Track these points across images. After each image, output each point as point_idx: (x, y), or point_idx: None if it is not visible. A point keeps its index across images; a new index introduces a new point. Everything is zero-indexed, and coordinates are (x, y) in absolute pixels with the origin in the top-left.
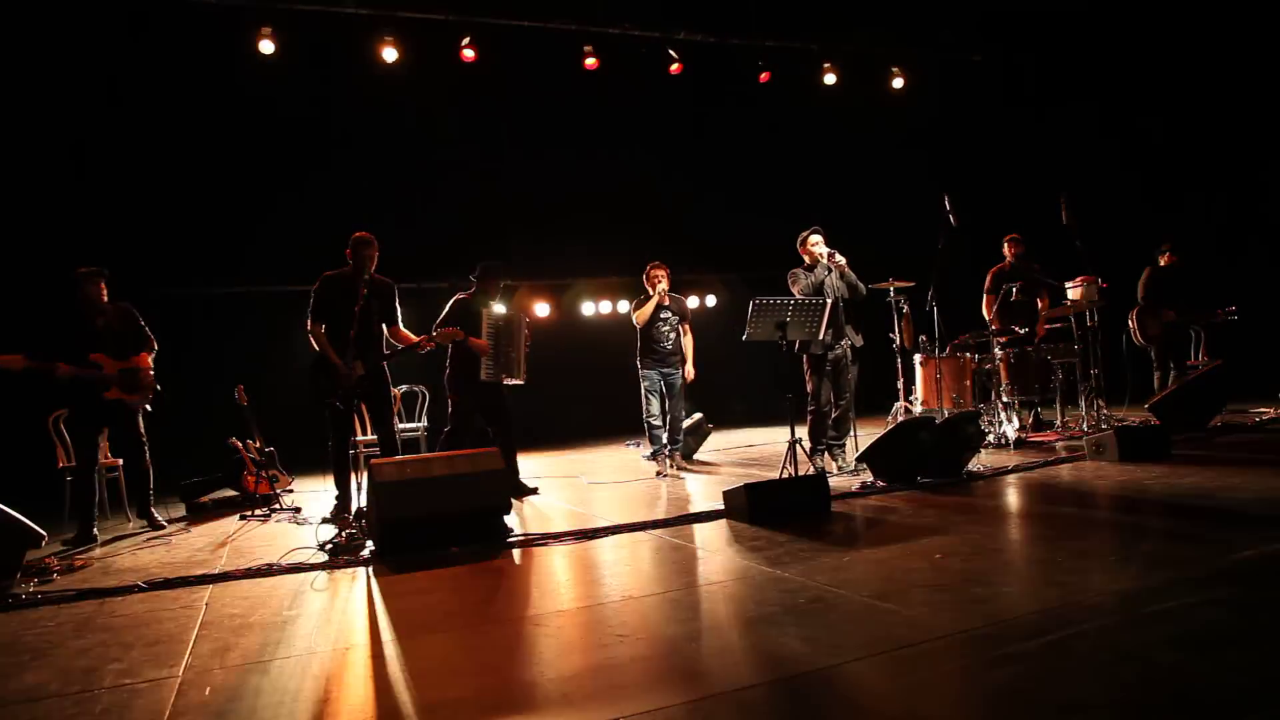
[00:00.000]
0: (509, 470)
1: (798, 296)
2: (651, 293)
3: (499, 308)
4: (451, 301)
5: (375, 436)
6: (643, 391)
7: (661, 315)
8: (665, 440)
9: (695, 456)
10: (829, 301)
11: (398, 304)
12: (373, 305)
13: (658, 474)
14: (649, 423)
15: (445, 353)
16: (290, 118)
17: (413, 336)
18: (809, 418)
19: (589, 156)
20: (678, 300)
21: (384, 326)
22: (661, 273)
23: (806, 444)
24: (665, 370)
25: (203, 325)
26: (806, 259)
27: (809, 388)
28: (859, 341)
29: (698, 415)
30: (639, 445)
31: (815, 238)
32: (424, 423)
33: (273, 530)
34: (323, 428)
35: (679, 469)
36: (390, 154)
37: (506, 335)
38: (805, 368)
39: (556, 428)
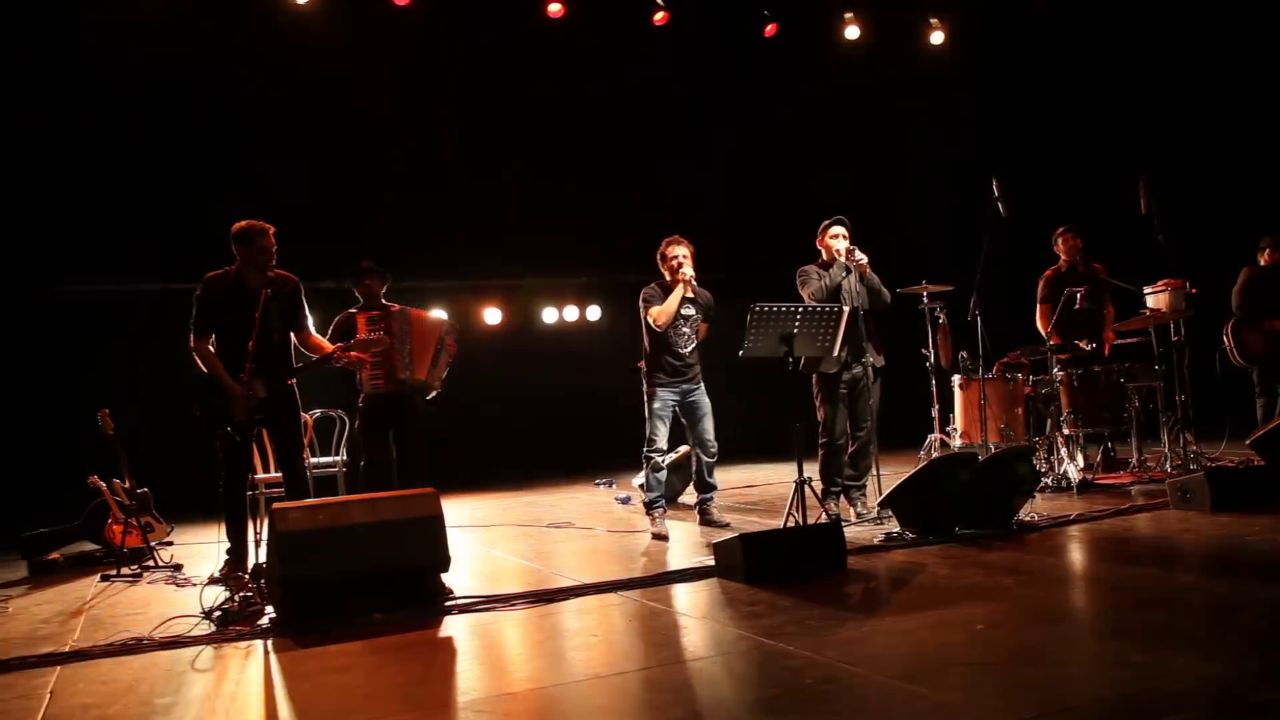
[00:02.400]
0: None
1: (807, 302)
2: (669, 280)
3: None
4: (338, 318)
5: (280, 474)
6: (649, 415)
7: (683, 312)
8: (662, 489)
9: (680, 499)
10: (846, 309)
11: (305, 305)
12: (274, 310)
13: (655, 537)
14: (650, 459)
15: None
16: (179, 82)
17: (327, 344)
18: (820, 453)
19: (554, 128)
20: (702, 293)
21: (290, 335)
22: (685, 251)
23: (818, 485)
24: (686, 386)
25: (55, 333)
26: (823, 254)
27: (820, 415)
28: (879, 361)
29: (683, 448)
30: (610, 485)
31: (836, 229)
32: (342, 456)
33: (144, 594)
34: (212, 464)
35: (714, 525)
36: (303, 126)
37: (389, 333)
38: (815, 391)
39: (509, 463)
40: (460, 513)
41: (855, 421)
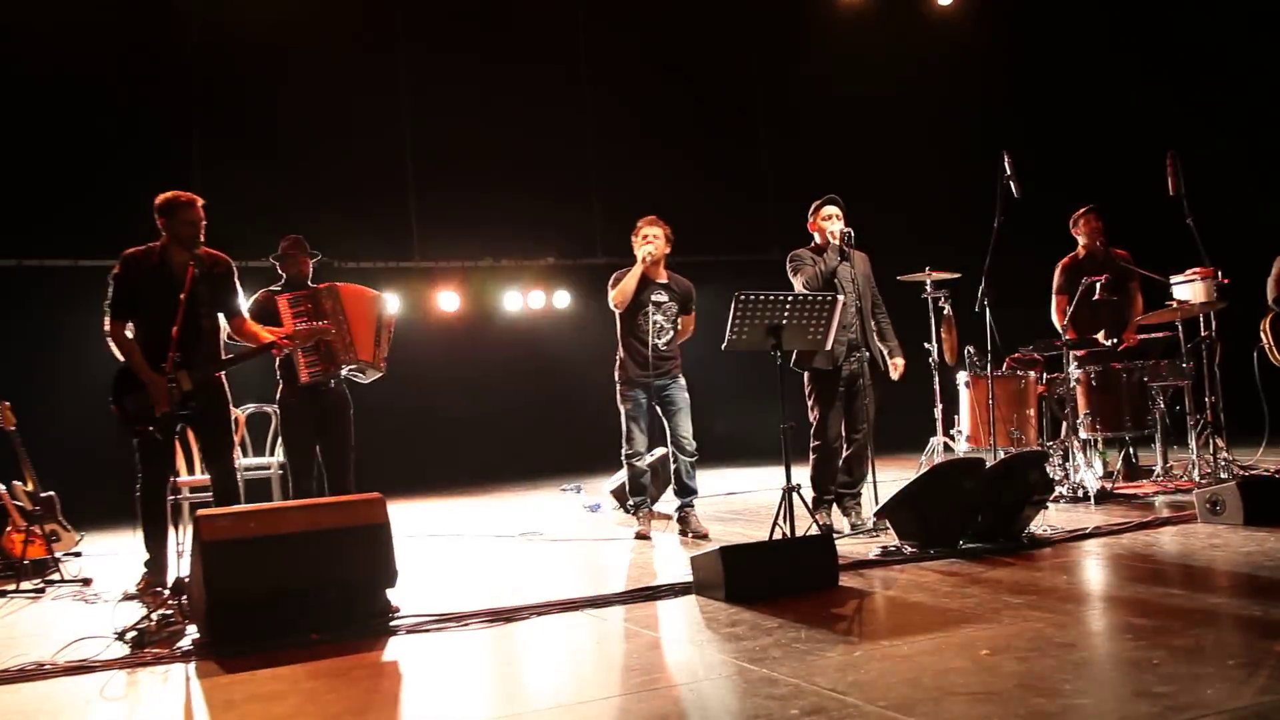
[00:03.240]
0: None
1: (798, 290)
2: (639, 257)
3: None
4: (250, 300)
5: (206, 477)
6: (623, 418)
7: (654, 298)
8: (650, 488)
9: (656, 506)
10: (841, 298)
11: (239, 288)
12: (202, 292)
13: (639, 536)
14: (630, 463)
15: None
16: (101, 47)
17: (264, 333)
18: (812, 457)
19: (518, 96)
20: (679, 281)
21: (220, 321)
22: (657, 231)
23: (808, 492)
24: (658, 381)
25: None
26: (817, 238)
27: (812, 416)
28: (897, 370)
29: (660, 451)
30: (578, 490)
31: (829, 209)
32: (278, 457)
33: (47, 612)
34: (128, 464)
35: (695, 536)
36: (235, 95)
37: (322, 314)
38: (808, 389)
39: (465, 466)
40: (410, 521)
41: (852, 423)
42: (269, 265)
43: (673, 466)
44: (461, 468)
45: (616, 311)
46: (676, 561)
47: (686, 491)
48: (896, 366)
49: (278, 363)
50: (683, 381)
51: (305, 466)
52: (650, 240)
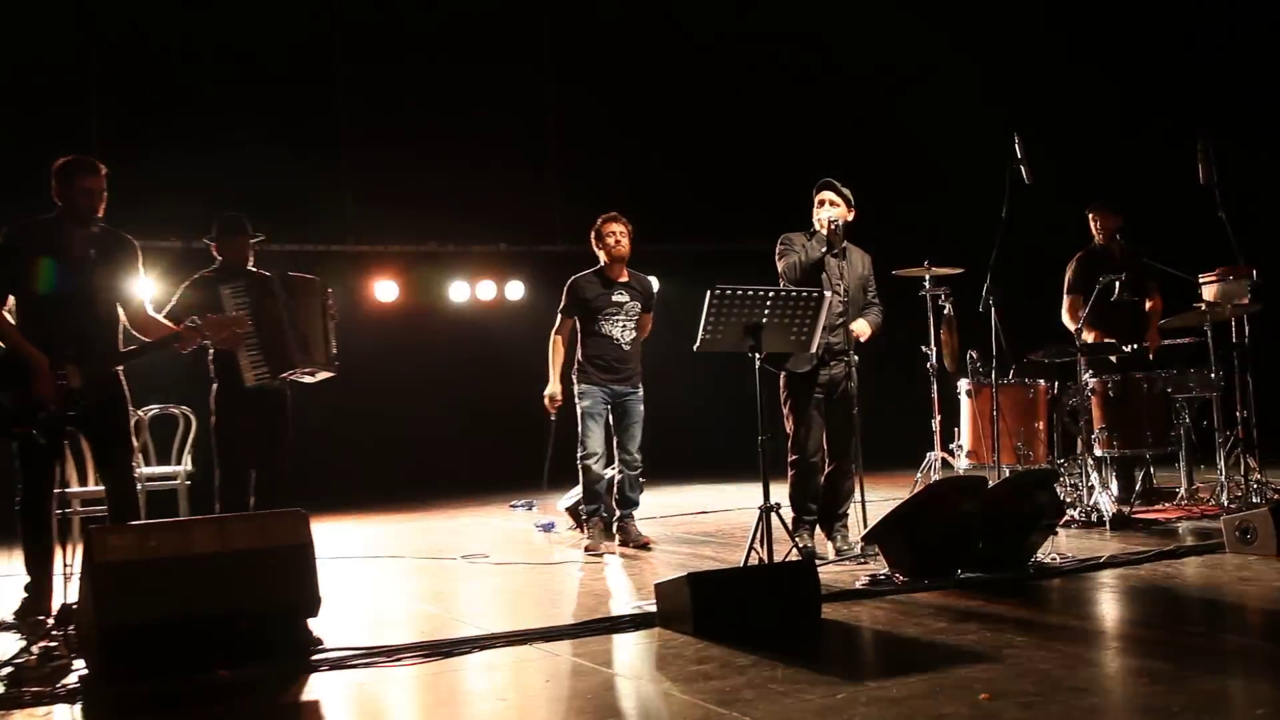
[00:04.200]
0: None
1: (781, 286)
2: (605, 261)
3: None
4: (183, 286)
5: (101, 488)
6: (579, 417)
7: (615, 299)
8: (605, 499)
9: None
10: (828, 295)
11: (142, 273)
12: (99, 275)
13: (588, 550)
14: (586, 466)
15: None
16: None
17: (169, 324)
18: (790, 472)
19: (469, 66)
20: (640, 279)
21: (119, 309)
22: (620, 229)
23: (788, 512)
24: (617, 387)
25: None
26: (815, 224)
27: (788, 426)
28: (855, 330)
29: (611, 470)
30: (530, 507)
31: (823, 194)
32: (186, 465)
33: None
34: (7, 471)
35: (635, 545)
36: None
37: (270, 306)
38: (782, 394)
39: (402, 478)
40: (337, 540)
41: (835, 435)
42: (177, 248)
43: (616, 478)
44: (397, 480)
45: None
46: (639, 588)
47: (628, 503)
48: (854, 328)
49: (211, 361)
50: (641, 393)
51: (241, 480)
52: (618, 239)
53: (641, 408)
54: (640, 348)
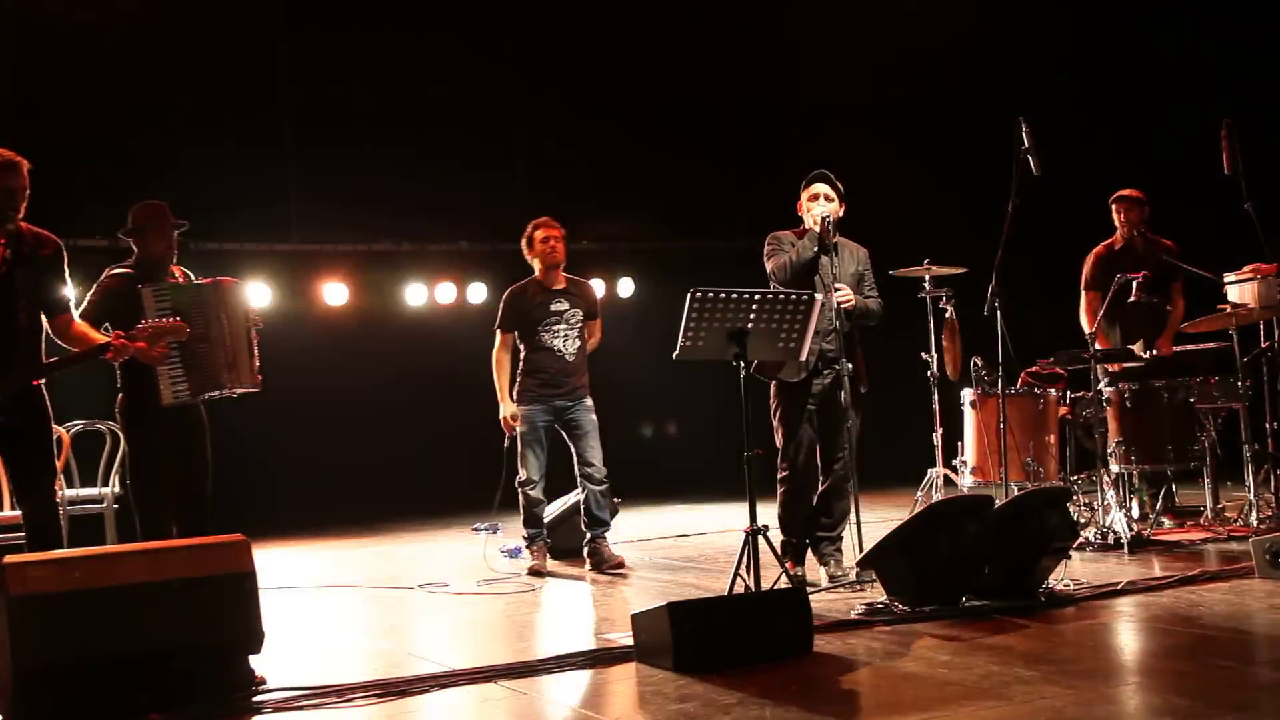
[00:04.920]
0: None
1: (769, 288)
2: (539, 274)
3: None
4: (97, 284)
5: (18, 513)
6: (518, 440)
7: (554, 308)
8: (543, 524)
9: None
10: (819, 298)
11: (68, 278)
12: (21, 279)
13: (531, 571)
14: (525, 493)
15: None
16: None
17: (95, 335)
18: (779, 490)
19: (426, 51)
20: (580, 285)
21: (41, 316)
22: (553, 235)
23: (776, 535)
24: (561, 402)
25: None
26: (806, 222)
27: (777, 439)
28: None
29: (574, 496)
30: (494, 530)
31: (817, 188)
32: (112, 487)
33: None
34: None
35: (609, 567)
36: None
37: (197, 314)
38: (772, 404)
39: (354, 499)
40: (282, 569)
41: (828, 449)
42: (103, 247)
43: (580, 497)
44: (348, 502)
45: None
46: (614, 619)
47: (597, 523)
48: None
49: (120, 373)
50: (589, 403)
51: (161, 503)
52: (551, 247)
53: (593, 417)
54: (586, 360)
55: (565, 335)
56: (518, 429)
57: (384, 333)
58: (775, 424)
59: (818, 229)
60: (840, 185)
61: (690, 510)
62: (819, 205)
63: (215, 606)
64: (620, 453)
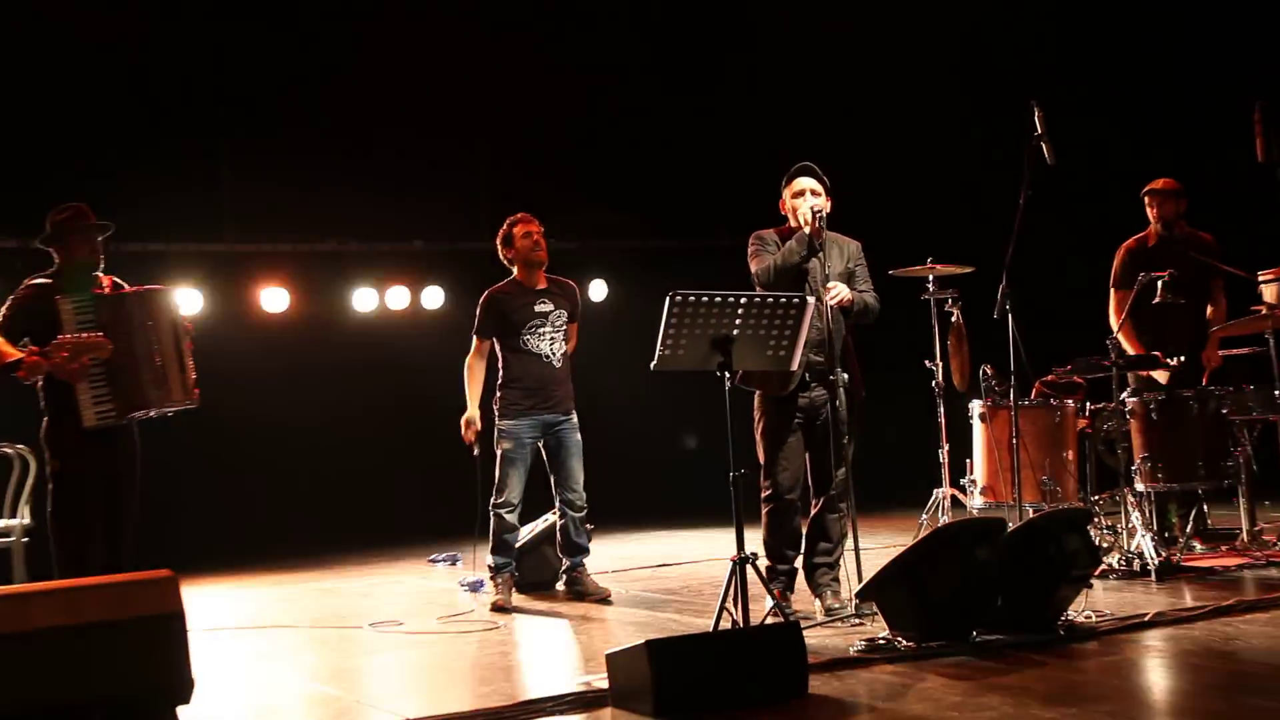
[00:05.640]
0: None
1: (755, 292)
2: (517, 274)
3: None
4: (12, 297)
5: None
6: (498, 461)
7: (538, 309)
8: (514, 553)
9: (558, 585)
10: (812, 301)
11: None
12: None
13: (495, 607)
14: (499, 515)
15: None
16: None
17: (11, 350)
18: (763, 511)
19: (378, 20)
20: (562, 285)
21: None
22: (535, 231)
23: (764, 563)
24: (548, 415)
25: None
26: (790, 220)
27: (761, 455)
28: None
29: (549, 518)
30: (453, 562)
31: (802, 182)
32: (23, 519)
33: None
34: None
35: (596, 599)
36: None
37: (122, 328)
38: (756, 417)
39: (297, 530)
40: (214, 609)
41: (820, 469)
42: (14, 245)
43: (559, 523)
44: (289, 532)
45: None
46: (587, 659)
47: (577, 550)
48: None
49: (42, 390)
50: (575, 420)
51: (85, 536)
52: (531, 244)
53: (578, 436)
54: (569, 370)
55: (551, 339)
56: (500, 448)
57: (329, 342)
58: (758, 438)
59: (808, 229)
60: (826, 179)
61: (670, 537)
62: (806, 201)
63: (139, 652)
64: (591, 473)
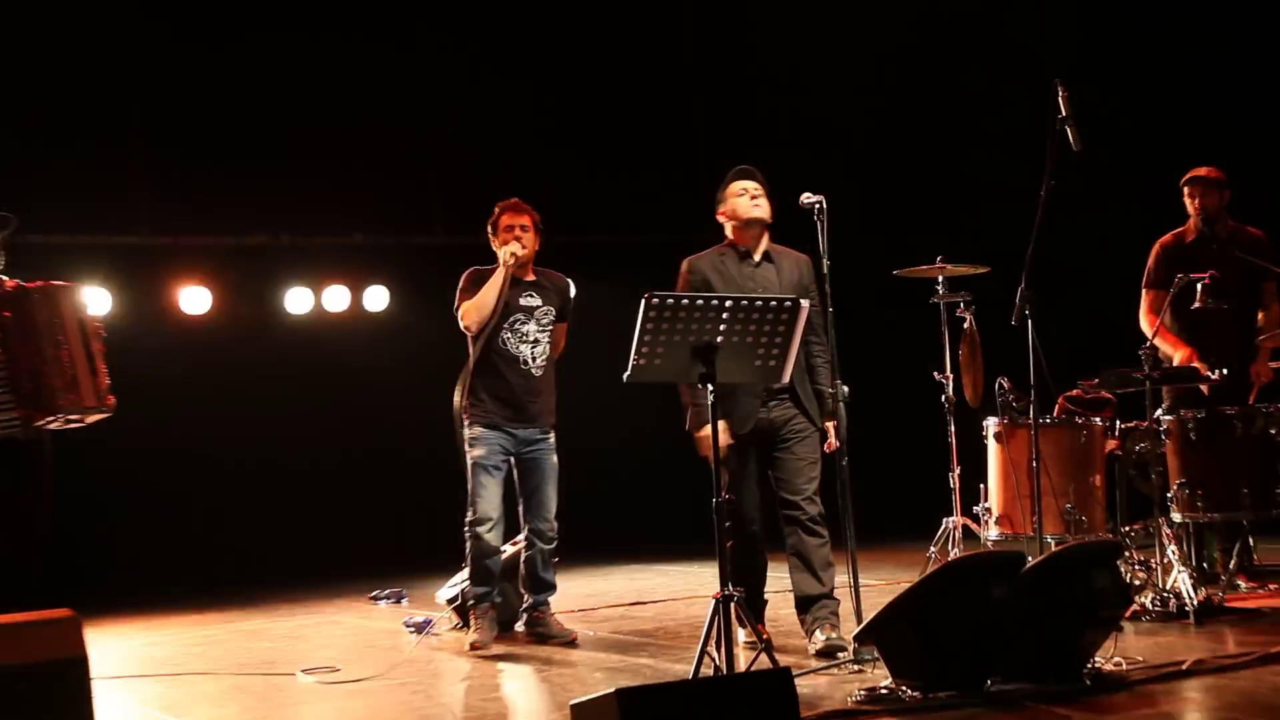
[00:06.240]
0: None
1: (744, 294)
2: (501, 259)
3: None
4: None
5: None
6: (469, 470)
7: (523, 302)
8: (495, 580)
9: (518, 626)
10: (805, 304)
11: None
12: None
13: (474, 647)
14: (476, 534)
15: None
16: None
17: None
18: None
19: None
20: (553, 278)
21: None
22: (525, 222)
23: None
24: (522, 431)
25: None
26: (728, 231)
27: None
28: (828, 442)
29: (520, 542)
30: (398, 600)
31: (741, 185)
32: None
33: None
34: None
35: (561, 641)
36: None
37: (22, 328)
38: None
39: (216, 563)
40: (124, 653)
41: (788, 491)
42: None
43: (525, 554)
44: (210, 566)
45: (465, 329)
46: (551, 709)
47: (543, 586)
48: (827, 437)
49: None
50: (553, 440)
51: None
52: (520, 233)
53: (555, 459)
54: (553, 376)
55: (534, 340)
56: (470, 455)
57: (257, 349)
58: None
59: (755, 242)
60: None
61: (644, 571)
62: (747, 205)
63: (35, 703)
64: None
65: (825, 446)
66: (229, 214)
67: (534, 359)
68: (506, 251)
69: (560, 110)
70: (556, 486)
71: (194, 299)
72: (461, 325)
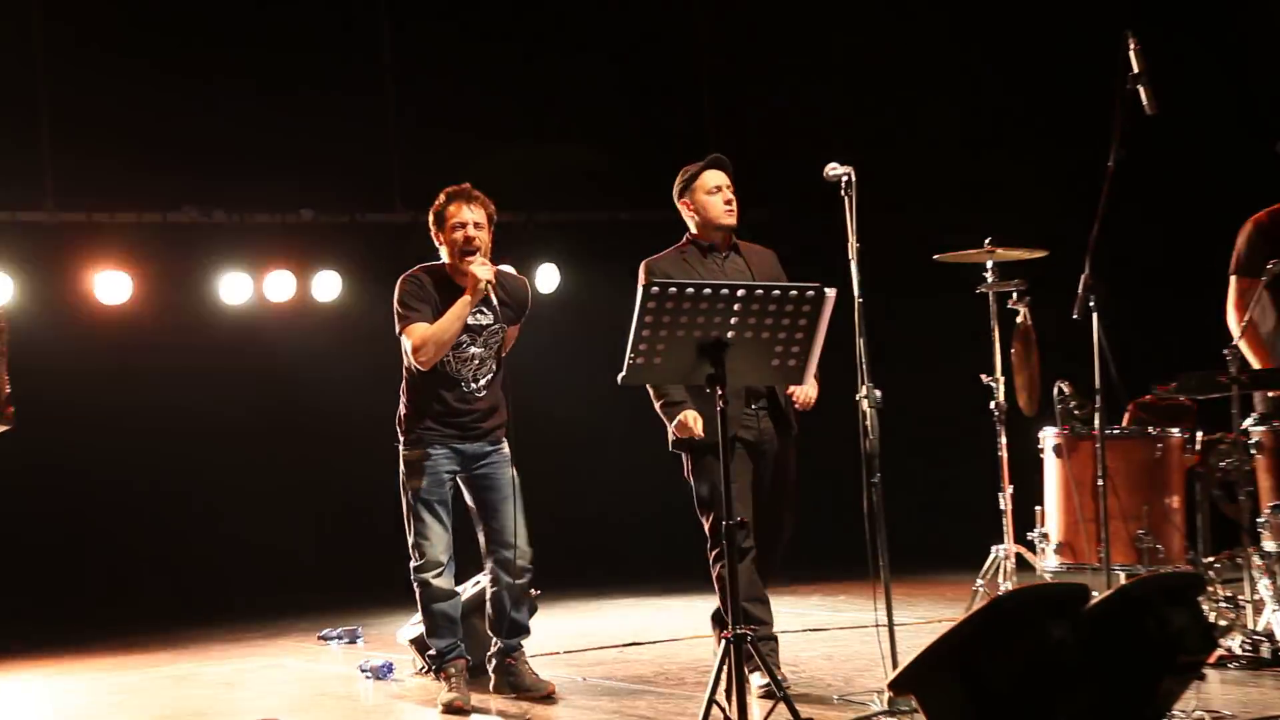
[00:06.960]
0: None
1: (760, 282)
2: (448, 263)
3: None
4: None
5: None
6: (406, 504)
7: (469, 321)
8: (459, 629)
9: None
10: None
11: None
12: None
13: (447, 709)
14: (424, 581)
15: None
16: None
17: None
18: (714, 572)
19: None
20: (511, 286)
21: None
22: (478, 219)
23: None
24: (473, 446)
25: None
26: (691, 227)
27: (700, 508)
28: (802, 399)
29: (479, 580)
30: (352, 639)
31: (716, 182)
32: None
33: None
34: None
35: (532, 696)
36: None
37: None
38: (685, 459)
39: (142, 596)
40: (29, 704)
41: (769, 516)
42: None
43: (490, 591)
44: (133, 600)
45: (417, 365)
46: None
47: (515, 630)
48: (797, 395)
49: None
50: (507, 451)
51: None
52: (468, 235)
53: (511, 472)
54: (501, 391)
55: (479, 361)
56: (407, 489)
57: (187, 344)
58: (693, 484)
59: (719, 237)
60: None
61: (641, 606)
62: (718, 201)
63: None
64: (536, 522)
65: (798, 403)
66: (152, 186)
67: (475, 383)
68: (482, 280)
69: (540, 68)
70: (520, 504)
71: (111, 285)
72: (412, 357)
